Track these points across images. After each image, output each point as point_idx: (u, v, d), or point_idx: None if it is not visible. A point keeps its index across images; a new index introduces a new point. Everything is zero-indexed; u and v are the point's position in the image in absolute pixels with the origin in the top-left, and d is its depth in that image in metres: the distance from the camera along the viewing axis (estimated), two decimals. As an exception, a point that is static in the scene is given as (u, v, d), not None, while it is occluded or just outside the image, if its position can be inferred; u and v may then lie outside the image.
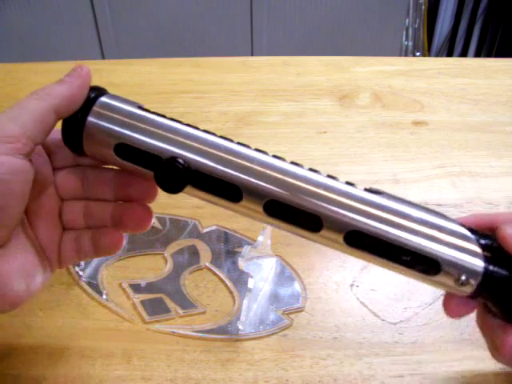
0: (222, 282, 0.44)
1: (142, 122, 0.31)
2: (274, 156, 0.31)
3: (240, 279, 0.44)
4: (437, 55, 1.96)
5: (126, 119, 0.31)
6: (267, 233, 0.42)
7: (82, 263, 0.45)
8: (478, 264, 0.29)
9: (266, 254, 0.44)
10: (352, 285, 0.44)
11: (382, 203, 0.29)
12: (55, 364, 0.38)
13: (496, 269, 0.29)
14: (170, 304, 0.42)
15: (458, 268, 0.29)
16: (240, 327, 0.40)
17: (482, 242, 0.29)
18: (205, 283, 0.44)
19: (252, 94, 0.69)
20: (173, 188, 0.30)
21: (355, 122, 0.64)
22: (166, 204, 0.52)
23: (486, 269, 0.29)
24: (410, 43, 1.87)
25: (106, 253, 0.35)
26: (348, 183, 0.30)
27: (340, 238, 0.29)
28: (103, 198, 0.35)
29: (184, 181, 0.30)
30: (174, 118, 0.32)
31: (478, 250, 0.29)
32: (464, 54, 1.93)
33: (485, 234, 0.30)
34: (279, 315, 0.41)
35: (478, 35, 1.91)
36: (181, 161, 0.30)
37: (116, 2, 1.60)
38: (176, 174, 0.30)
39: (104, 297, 0.43)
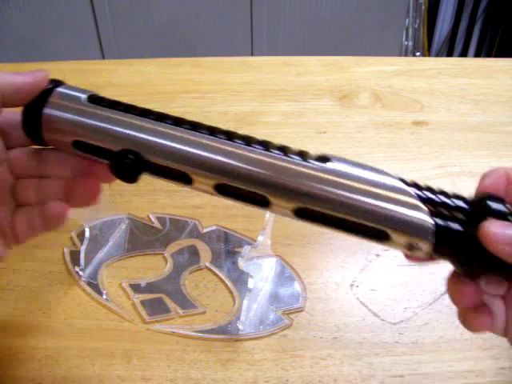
0: (222, 281, 0.44)
1: (92, 118, 0.32)
2: (223, 136, 0.31)
3: (240, 279, 0.44)
4: (437, 55, 1.96)
5: (76, 117, 0.32)
6: (267, 233, 0.42)
7: (82, 263, 0.45)
8: (427, 222, 0.28)
9: (266, 253, 0.44)
10: (352, 285, 0.44)
11: (323, 179, 0.29)
12: (55, 364, 0.38)
13: (448, 224, 0.28)
14: (170, 304, 0.42)
15: (408, 232, 0.28)
16: (240, 327, 0.40)
17: (431, 198, 0.29)
18: (205, 283, 0.44)
19: (252, 93, 0.69)
20: (127, 178, 0.32)
21: (355, 121, 0.64)
22: (165, 204, 0.52)
23: (436, 226, 0.28)
24: (410, 43, 1.87)
25: (53, 225, 0.35)
26: (296, 154, 0.30)
27: (290, 213, 0.30)
28: (60, 176, 0.35)
29: (137, 171, 0.31)
30: (128, 104, 0.32)
31: (423, 207, 0.28)
32: (464, 54, 1.93)
33: (433, 189, 0.29)
34: (279, 315, 0.41)
35: (478, 35, 1.91)
36: (131, 154, 0.31)
37: (116, 2, 1.60)
38: (128, 166, 0.31)
39: (104, 297, 0.43)
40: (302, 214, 0.30)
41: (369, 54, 0.80)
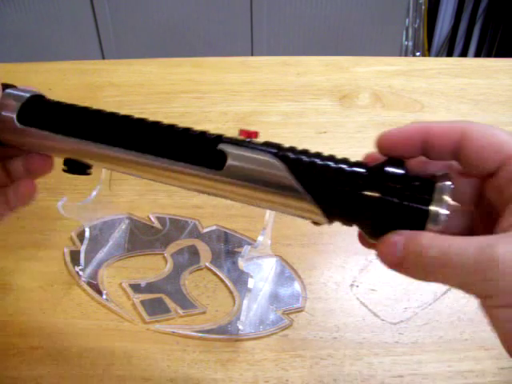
0: (222, 282, 0.44)
1: (31, 137, 0.36)
2: (142, 143, 0.33)
3: (240, 279, 0.44)
4: (437, 55, 1.96)
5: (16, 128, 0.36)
6: (267, 233, 0.42)
7: (82, 263, 0.45)
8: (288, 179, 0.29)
9: (266, 253, 0.44)
10: (352, 285, 0.44)
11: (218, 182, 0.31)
12: (55, 364, 0.38)
13: (326, 184, 0.29)
14: (170, 304, 0.42)
15: (292, 204, 0.29)
16: (240, 327, 0.40)
17: (297, 158, 0.30)
18: (205, 283, 0.44)
19: (252, 93, 0.69)
20: (79, 174, 0.37)
21: (355, 121, 0.64)
22: (165, 204, 0.52)
23: (303, 184, 0.29)
24: (410, 43, 1.87)
25: (24, 201, 0.39)
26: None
27: None
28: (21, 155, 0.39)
29: (83, 169, 0.37)
30: (64, 108, 0.35)
31: (280, 163, 0.29)
32: (464, 54, 1.93)
33: (309, 152, 0.30)
34: (279, 315, 0.41)
35: (478, 35, 1.91)
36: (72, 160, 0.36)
37: (116, 2, 1.60)
38: (76, 168, 0.36)
39: (104, 297, 0.43)
40: None
41: (369, 54, 0.80)
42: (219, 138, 0.31)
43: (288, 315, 0.41)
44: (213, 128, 0.60)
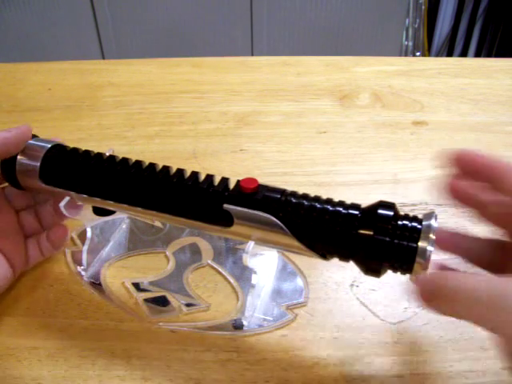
0: (225, 279, 0.44)
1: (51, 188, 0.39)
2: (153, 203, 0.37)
3: (243, 276, 0.44)
4: (437, 55, 1.96)
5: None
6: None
7: (84, 263, 0.45)
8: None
9: (269, 249, 0.44)
10: (352, 285, 0.44)
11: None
12: (55, 364, 0.38)
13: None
14: (174, 302, 0.42)
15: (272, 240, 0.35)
16: (245, 323, 0.40)
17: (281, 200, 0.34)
18: (207, 281, 0.44)
19: (252, 94, 0.69)
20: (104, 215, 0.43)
21: (355, 122, 0.64)
22: (166, 204, 0.52)
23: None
24: (410, 43, 1.87)
25: (56, 246, 0.43)
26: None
27: None
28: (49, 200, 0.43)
29: (110, 212, 0.42)
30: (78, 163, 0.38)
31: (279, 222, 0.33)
32: (464, 54, 1.93)
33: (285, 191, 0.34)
34: (283, 310, 0.41)
35: (478, 35, 1.91)
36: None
37: (116, 2, 1.60)
38: (102, 212, 0.42)
39: (106, 296, 0.43)
40: None
41: (369, 54, 0.80)
42: (224, 196, 0.35)
43: (292, 310, 0.41)
44: (213, 128, 0.61)
